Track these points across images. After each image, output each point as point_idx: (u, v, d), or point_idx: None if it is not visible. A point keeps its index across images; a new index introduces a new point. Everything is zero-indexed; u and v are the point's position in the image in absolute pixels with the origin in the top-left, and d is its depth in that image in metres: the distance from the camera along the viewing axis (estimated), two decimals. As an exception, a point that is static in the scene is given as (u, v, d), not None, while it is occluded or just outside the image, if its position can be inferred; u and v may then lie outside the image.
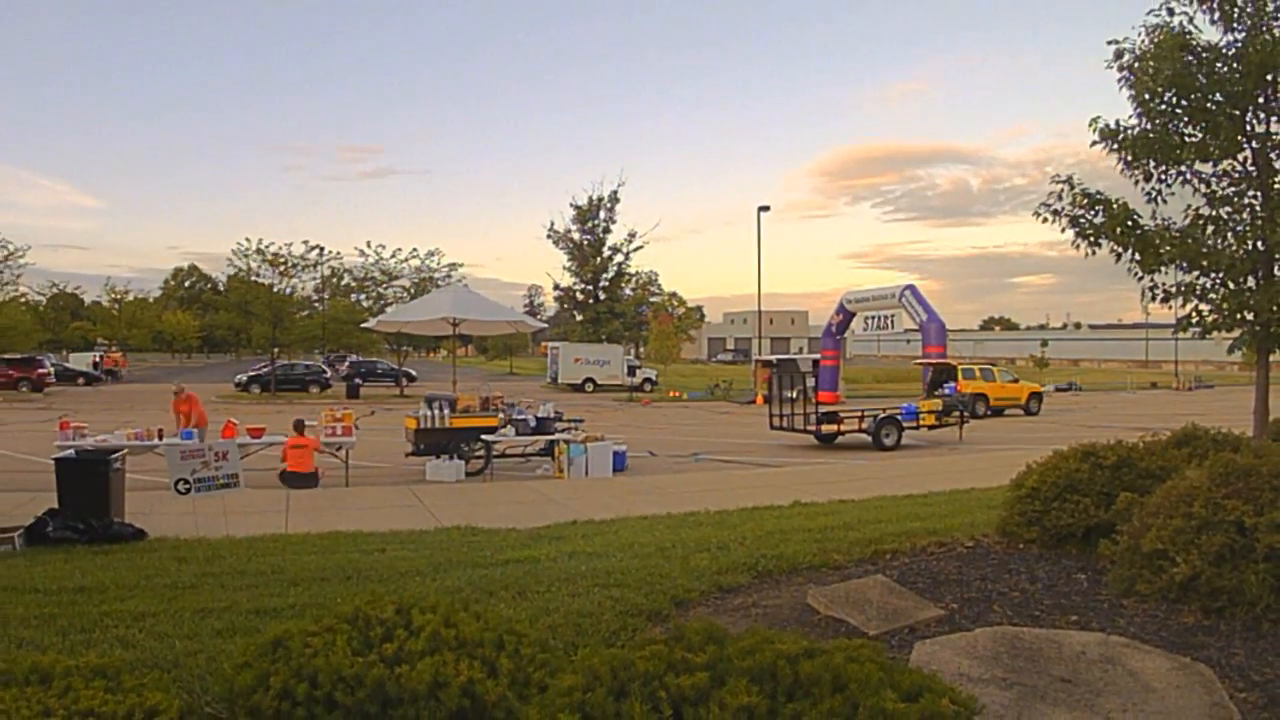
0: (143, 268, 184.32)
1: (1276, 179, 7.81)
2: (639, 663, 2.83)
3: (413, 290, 40.65)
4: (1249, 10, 7.54)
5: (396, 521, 8.86)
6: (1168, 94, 7.76)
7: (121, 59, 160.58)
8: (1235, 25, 7.67)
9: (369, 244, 47.43)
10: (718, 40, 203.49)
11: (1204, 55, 7.70)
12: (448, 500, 10.70)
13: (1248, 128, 7.91)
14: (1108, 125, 8.13)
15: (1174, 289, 8.23)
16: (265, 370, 40.55)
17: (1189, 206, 8.19)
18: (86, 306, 69.04)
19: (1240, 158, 7.99)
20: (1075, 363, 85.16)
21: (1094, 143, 8.19)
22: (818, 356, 34.50)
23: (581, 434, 14.79)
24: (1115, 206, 8.00)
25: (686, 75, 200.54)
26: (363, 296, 42.95)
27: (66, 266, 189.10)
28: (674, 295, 67.36)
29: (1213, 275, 7.96)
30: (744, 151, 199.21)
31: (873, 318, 35.29)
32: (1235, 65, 7.62)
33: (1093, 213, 8.08)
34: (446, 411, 14.34)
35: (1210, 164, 8.04)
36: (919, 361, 32.79)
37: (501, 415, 14.88)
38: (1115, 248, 8.07)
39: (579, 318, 52.09)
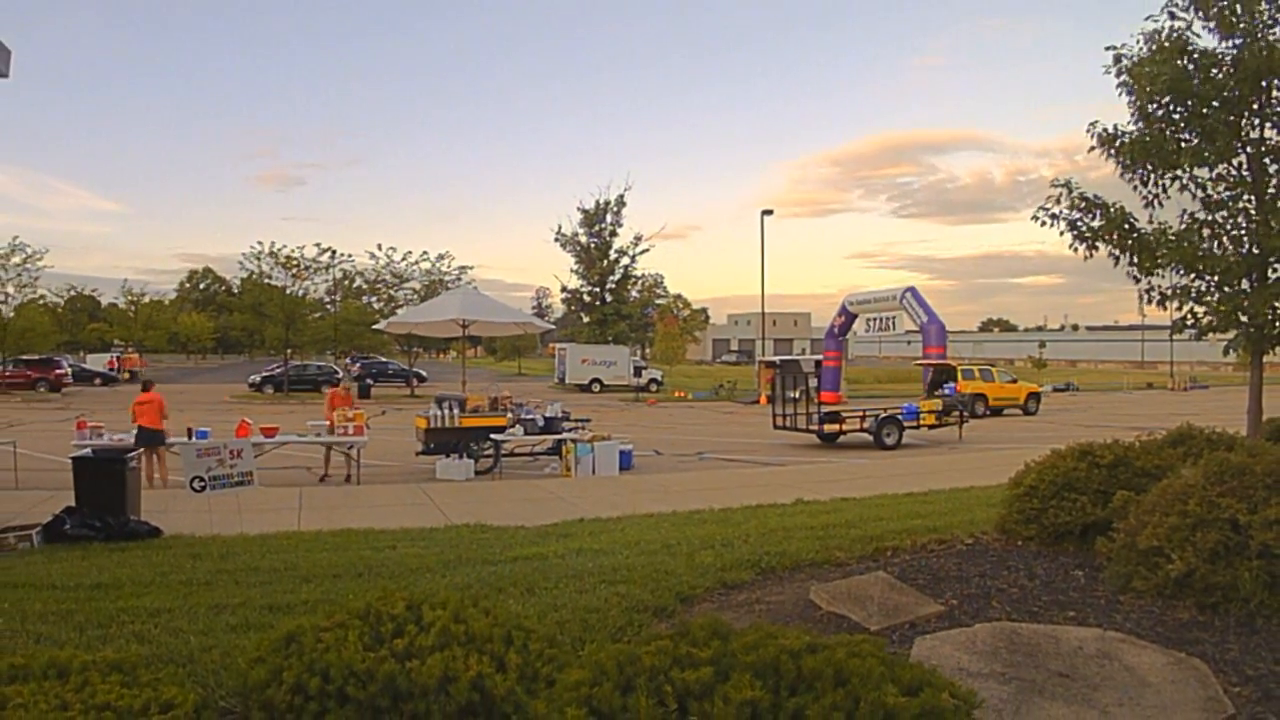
0: (158, 269, 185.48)
1: (1271, 184, 7.85)
2: (645, 658, 2.84)
3: (423, 292, 40.91)
4: (1245, 17, 7.56)
5: (407, 519, 8.93)
6: (1165, 100, 7.80)
7: (138, 68, 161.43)
8: (1232, 32, 7.69)
9: (380, 247, 47.74)
10: (719, 39, 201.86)
11: (1201, 61, 7.73)
12: (457, 498, 10.76)
13: (1243, 133, 7.94)
14: (1105, 130, 8.18)
15: (1170, 291, 8.28)
16: (278, 371, 40.76)
17: (1185, 211, 8.24)
18: (103, 308, 69.25)
19: (1235, 163, 8.03)
20: (1073, 363, 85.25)
21: (1091, 148, 8.24)
22: (820, 357, 34.71)
23: (588, 433, 14.88)
24: (1112, 210, 8.05)
25: (686, 76, 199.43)
26: (374, 299, 43.20)
27: (85, 270, 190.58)
28: (679, 297, 67.62)
29: (1208, 278, 8.01)
30: (748, 150, 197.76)
31: (874, 319, 35.38)
32: (1231, 72, 7.65)
33: (1090, 216, 8.13)
34: (456, 411, 14.44)
35: (1206, 169, 8.07)
36: (919, 362, 32.90)
37: (510, 415, 14.97)
38: (1113, 251, 8.12)
39: (586, 319, 52.12)
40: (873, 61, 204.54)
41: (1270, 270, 7.88)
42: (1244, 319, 7.94)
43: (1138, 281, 8.32)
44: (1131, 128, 8.12)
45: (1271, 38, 7.44)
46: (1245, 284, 7.99)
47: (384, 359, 50.55)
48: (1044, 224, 8.37)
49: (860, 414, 20.34)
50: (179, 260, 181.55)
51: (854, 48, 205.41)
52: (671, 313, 58.55)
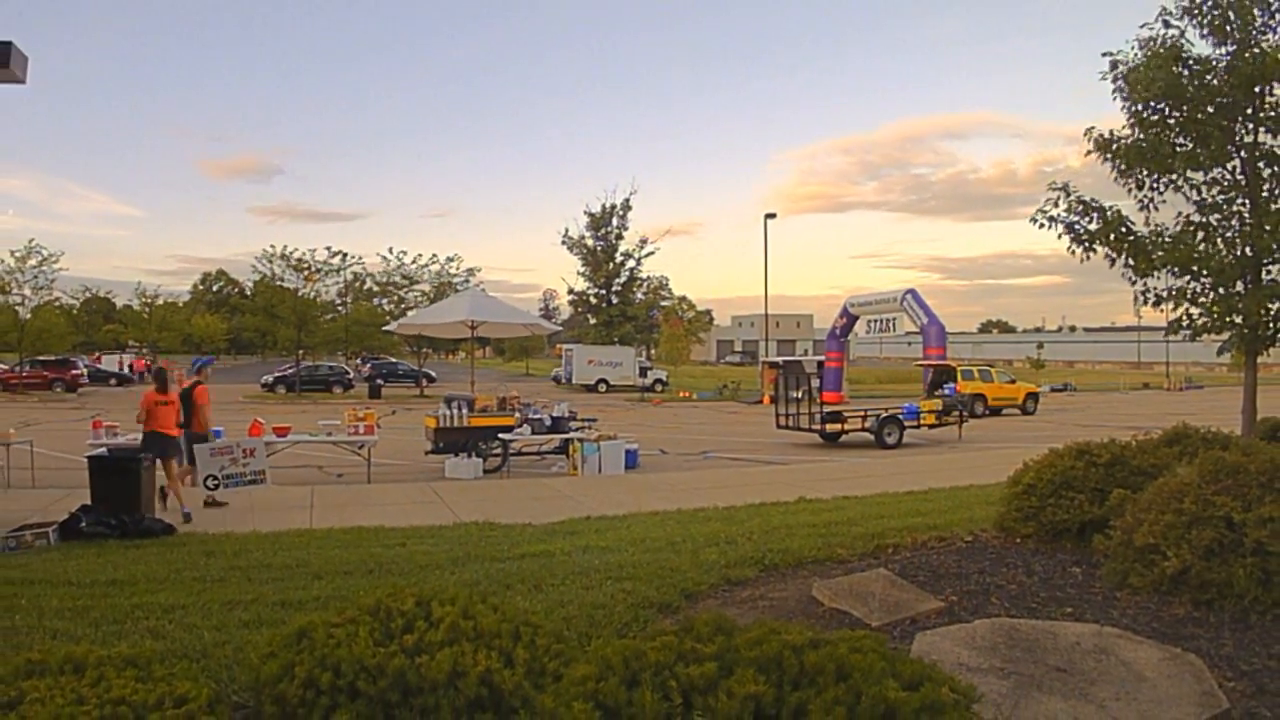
0: (171, 271, 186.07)
1: (1265, 187, 7.90)
2: (650, 653, 2.86)
3: (432, 294, 41.00)
4: (1239, 24, 7.59)
5: (417, 517, 8.97)
6: (1160, 105, 7.85)
7: (141, 73, 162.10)
8: (1225, 39, 7.73)
9: (390, 249, 47.91)
10: (721, 38, 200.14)
11: (1195, 67, 7.77)
12: (466, 497, 10.78)
13: (1237, 138, 7.99)
14: (1101, 135, 8.23)
15: (1166, 293, 8.34)
16: (290, 371, 40.93)
17: (1180, 214, 8.29)
18: (118, 310, 69.50)
19: (1230, 166, 8.09)
20: (1070, 364, 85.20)
21: (1088, 152, 8.29)
22: (822, 358, 34.80)
23: (595, 433, 14.94)
24: (1109, 213, 8.10)
25: (694, 68, 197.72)
26: (384, 300, 43.37)
27: (100, 273, 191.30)
28: (684, 299, 67.72)
29: (1203, 280, 8.08)
30: (756, 144, 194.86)
31: (875, 321, 35.46)
32: (1225, 77, 7.69)
33: (1087, 219, 8.17)
34: (465, 411, 14.50)
35: (1201, 173, 8.12)
36: (920, 363, 33.10)
37: (518, 415, 15.05)
38: (1109, 253, 8.17)
39: (592, 321, 52.16)
40: (890, 43, 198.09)
41: (1264, 272, 7.93)
42: (1238, 320, 8.01)
43: (1134, 283, 8.37)
44: (1127, 132, 8.16)
45: (1264, 44, 7.48)
46: (1240, 286, 8.05)
47: (394, 360, 50.84)
48: (1042, 226, 8.44)
49: (862, 414, 20.42)
50: (183, 264, 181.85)
51: (871, 28, 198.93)
52: (676, 314, 58.56)
